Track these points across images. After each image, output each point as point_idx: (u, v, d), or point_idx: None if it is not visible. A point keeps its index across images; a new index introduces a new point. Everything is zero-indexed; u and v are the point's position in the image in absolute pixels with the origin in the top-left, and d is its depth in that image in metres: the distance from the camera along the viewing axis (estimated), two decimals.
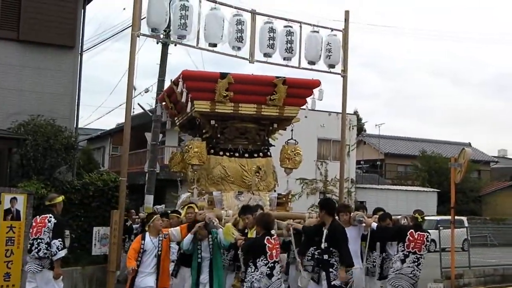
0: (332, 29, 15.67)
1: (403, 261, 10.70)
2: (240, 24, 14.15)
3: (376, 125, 58.38)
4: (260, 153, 14.31)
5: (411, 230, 10.83)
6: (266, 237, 9.35)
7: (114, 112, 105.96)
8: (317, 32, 15.30)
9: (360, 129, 48.17)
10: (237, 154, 14.01)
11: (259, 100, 13.79)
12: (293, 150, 14.40)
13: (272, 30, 14.65)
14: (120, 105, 68.16)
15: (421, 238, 10.77)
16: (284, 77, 13.91)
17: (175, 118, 15.44)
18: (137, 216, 15.25)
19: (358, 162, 43.88)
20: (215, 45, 13.91)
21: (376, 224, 11.10)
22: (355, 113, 48.63)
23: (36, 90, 15.26)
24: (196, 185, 13.76)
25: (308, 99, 14.55)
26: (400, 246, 10.83)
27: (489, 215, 44.04)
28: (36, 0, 15.42)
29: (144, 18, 13.74)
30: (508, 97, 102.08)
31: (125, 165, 13.38)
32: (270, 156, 14.50)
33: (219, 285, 10.46)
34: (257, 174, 13.91)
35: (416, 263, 10.70)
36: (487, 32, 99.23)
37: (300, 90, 14.23)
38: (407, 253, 10.69)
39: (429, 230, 31.00)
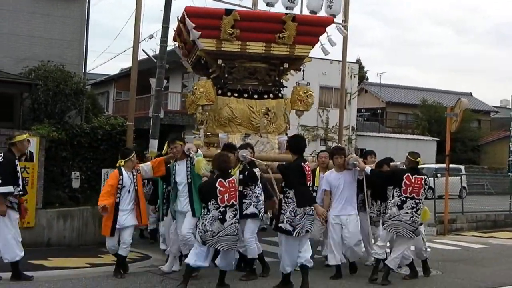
0: None
1: (400, 207, 9.96)
2: None
3: (377, 73, 58.54)
4: (271, 94, 13.79)
5: (407, 174, 10.06)
6: (219, 180, 8.82)
7: (118, 57, 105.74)
8: None
9: (362, 77, 48.35)
10: (245, 95, 13.54)
11: (268, 38, 13.28)
12: (305, 91, 13.81)
13: None
14: (124, 51, 67.96)
15: (419, 182, 10.03)
16: (293, 14, 13.52)
17: (187, 59, 14.94)
18: None
19: (359, 110, 44.26)
20: None
21: (370, 168, 10.42)
22: (358, 61, 48.85)
23: (46, 37, 15.64)
24: (204, 126, 13.49)
25: (324, 39, 14.09)
26: (396, 191, 10.08)
27: (487, 164, 44.58)
28: None
29: None
30: (510, 46, 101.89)
31: (132, 110, 13.82)
32: (282, 97, 13.96)
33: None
34: (266, 115, 13.46)
35: (415, 209, 9.98)
36: None
37: (311, 28, 13.69)
38: (404, 199, 9.96)
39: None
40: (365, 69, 53.92)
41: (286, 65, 13.85)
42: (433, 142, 43.38)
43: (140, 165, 10.45)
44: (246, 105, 13.42)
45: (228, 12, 12.88)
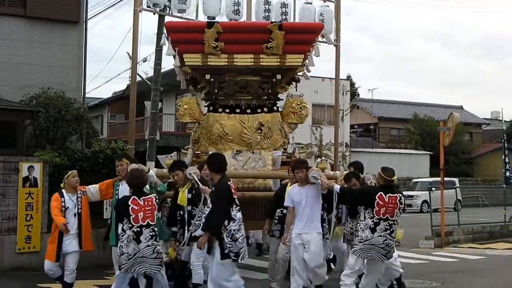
0: (324, 0, 16.28)
1: (373, 230, 8.93)
2: None
3: (369, 90, 59.13)
4: (265, 108, 13.12)
5: (379, 193, 8.97)
6: (132, 197, 8.31)
7: (110, 80, 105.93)
8: (311, 3, 15.79)
9: (354, 94, 48.78)
10: (238, 110, 12.98)
11: (255, 49, 12.60)
12: (298, 103, 13.24)
13: (267, 2, 15.11)
14: (118, 75, 68.20)
15: (393, 201, 8.95)
16: (279, 22, 13.09)
17: (186, 78, 14.06)
18: None
19: (352, 127, 44.68)
20: (213, 18, 14.18)
21: (339, 187, 9.37)
22: (348, 78, 49.23)
23: (45, 64, 15.93)
24: (193, 145, 13.05)
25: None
26: (368, 212, 9.03)
27: (480, 176, 45.03)
28: None
29: None
30: (498, 58, 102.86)
31: (132, 133, 14.00)
32: (277, 111, 13.32)
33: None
34: (259, 131, 12.77)
35: (388, 231, 8.96)
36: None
37: (300, 36, 12.96)
38: (377, 220, 8.92)
39: (422, 192, 31.99)
40: (356, 86, 54.35)
41: (278, 76, 13.07)
42: (426, 156, 43.80)
43: (87, 187, 10.04)
44: (237, 121, 12.87)
45: (210, 24, 12.52)
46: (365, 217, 9.08)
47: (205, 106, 13.62)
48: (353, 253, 9.15)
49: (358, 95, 54.64)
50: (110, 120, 43.01)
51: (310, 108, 35.65)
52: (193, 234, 9.16)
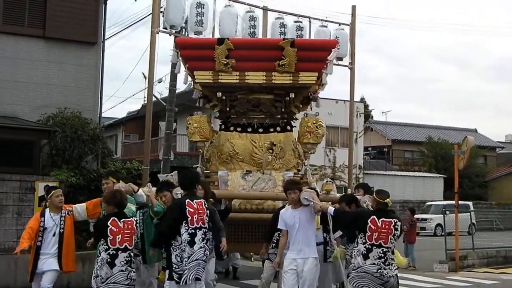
0: (339, 24, 16.43)
1: (365, 256, 8.31)
2: (253, 20, 14.89)
3: (383, 112, 59.07)
4: (277, 128, 12.81)
5: (372, 217, 8.38)
6: (112, 218, 8.03)
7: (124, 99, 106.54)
8: (326, 26, 16.01)
9: (367, 116, 48.75)
10: (249, 129, 12.71)
11: (267, 67, 12.21)
12: (314, 122, 12.90)
13: (283, 25, 15.39)
14: (133, 95, 68.49)
15: (387, 227, 8.31)
16: (292, 39, 12.70)
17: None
18: None
19: (365, 149, 44.59)
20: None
21: (333, 209, 8.82)
22: (362, 100, 49.29)
23: (62, 84, 16.07)
24: (204, 164, 12.91)
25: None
26: (361, 237, 8.42)
27: (494, 200, 44.71)
28: None
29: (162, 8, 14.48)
30: None
31: (147, 153, 14.15)
32: (291, 130, 13.00)
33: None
34: (271, 150, 12.43)
35: (382, 259, 8.27)
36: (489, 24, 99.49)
37: (313, 53, 12.49)
38: (370, 246, 8.31)
39: (435, 215, 31.70)
40: (369, 108, 54.35)
41: (292, 95, 12.66)
42: (440, 179, 43.60)
43: (73, 206, 9.64)
44: (248, 140, 12.57)
45: (220, 41, 12.18)
46: (357, 243, 8.52)
47: (219, 124, 13.45)
48: (350, 281, 8.60)
49: (372, 117, 54.64)
50: (125, 140, 43.13)
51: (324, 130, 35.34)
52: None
